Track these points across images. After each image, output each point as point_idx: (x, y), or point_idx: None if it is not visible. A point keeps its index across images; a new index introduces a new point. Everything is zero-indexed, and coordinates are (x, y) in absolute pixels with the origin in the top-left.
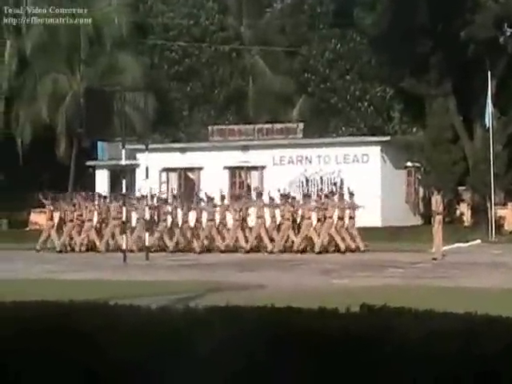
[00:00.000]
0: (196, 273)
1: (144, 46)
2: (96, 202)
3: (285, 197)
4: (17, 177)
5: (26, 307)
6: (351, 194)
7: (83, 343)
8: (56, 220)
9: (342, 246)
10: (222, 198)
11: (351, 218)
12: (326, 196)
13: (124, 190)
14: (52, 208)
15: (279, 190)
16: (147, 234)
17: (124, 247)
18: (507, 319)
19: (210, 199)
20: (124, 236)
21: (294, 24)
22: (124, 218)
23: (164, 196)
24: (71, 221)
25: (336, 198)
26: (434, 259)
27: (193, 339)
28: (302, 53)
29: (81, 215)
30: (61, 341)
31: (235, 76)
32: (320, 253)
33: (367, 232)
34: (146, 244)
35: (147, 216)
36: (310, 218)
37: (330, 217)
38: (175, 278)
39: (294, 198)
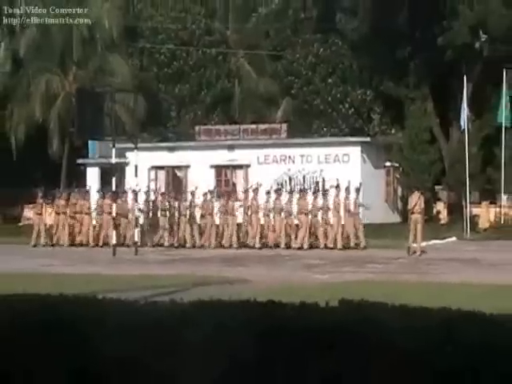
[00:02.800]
0: (184, 267)
1: (134, 49)
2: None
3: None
4: (10, 174)
5: (15, 300)
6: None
7: (71, 335)
8: (53, 216)
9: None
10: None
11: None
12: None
13: (114, 187)
14: (45, 204)
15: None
16: (136, 230)
17: (114, 242)
18: (480, 313)
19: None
20: (115, 231)
21: (279, 29)
22: (114, 214)
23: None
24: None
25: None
26: (419, 255)
27: (177, 332)
28: (285, 56)
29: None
30: (50, 333)
31: (222, 78)
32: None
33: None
34: (135, 239)
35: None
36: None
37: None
38: (163, 272)
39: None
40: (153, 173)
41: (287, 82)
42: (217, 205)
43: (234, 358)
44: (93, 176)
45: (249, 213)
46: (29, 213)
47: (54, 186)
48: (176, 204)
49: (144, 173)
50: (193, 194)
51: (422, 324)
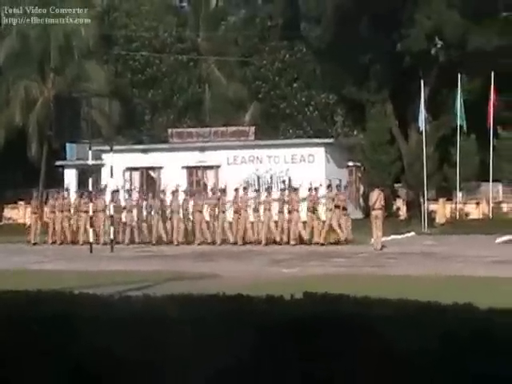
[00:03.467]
0: (157, 263)
1: (109, 56)
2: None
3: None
4: None
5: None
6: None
7: (47, 329)
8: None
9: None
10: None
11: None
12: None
13: (90, 188)
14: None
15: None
16: (112, 228)
17: (91, 240)
18: (436, 304)
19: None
20: (91, 229)
21: (247, 36)
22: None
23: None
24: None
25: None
26: (380, 249)
27: (149, 325)
28: (253, 62)
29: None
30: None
31: (193, 83)
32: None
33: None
34: (111, 237)
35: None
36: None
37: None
38: (138, 268)
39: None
40: (128, 174)
41: (255, 86)
42: (190, 203)
43: (202, 349)
44: (70, 177)
45: (216, 211)
46: (9, 213)
47: (32, 187)
48: (150, 203)
49: (119, 174)
50: (164, 193)
51: (381, 314)
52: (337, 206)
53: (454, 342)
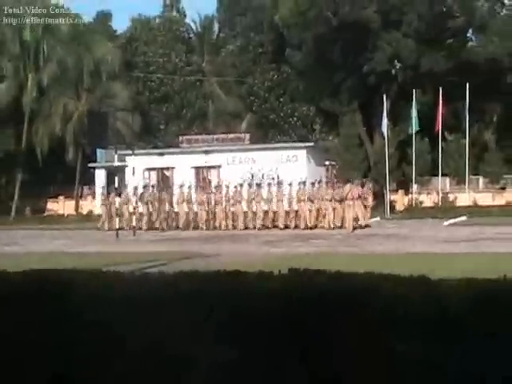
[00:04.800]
0: (170, 245)
1: (131, 78)
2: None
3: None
4: (37, 176)
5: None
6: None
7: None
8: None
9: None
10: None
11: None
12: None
13: (116, 184)
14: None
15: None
16: (134, 217)
17: (117, 226)
18: (397, 276)
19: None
20: (117, 218)
21: (242, 60)
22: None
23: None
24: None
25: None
26: (351, 232)
27: (160, 299)
28: (248, 82)
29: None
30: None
31: (199, 99)
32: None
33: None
34: (133, 224)
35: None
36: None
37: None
38: (155, 250)
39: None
40: (146, 173)
41: (249, 101)
42: (195, 196)
43: (202, 319)
44: (100, 176)
45: (222, 203)
46: (51, 205)
47: (71, 185)
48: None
49: (139, 173)
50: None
51: (350, 285)
52: (357, 199)
53: (408, 305)
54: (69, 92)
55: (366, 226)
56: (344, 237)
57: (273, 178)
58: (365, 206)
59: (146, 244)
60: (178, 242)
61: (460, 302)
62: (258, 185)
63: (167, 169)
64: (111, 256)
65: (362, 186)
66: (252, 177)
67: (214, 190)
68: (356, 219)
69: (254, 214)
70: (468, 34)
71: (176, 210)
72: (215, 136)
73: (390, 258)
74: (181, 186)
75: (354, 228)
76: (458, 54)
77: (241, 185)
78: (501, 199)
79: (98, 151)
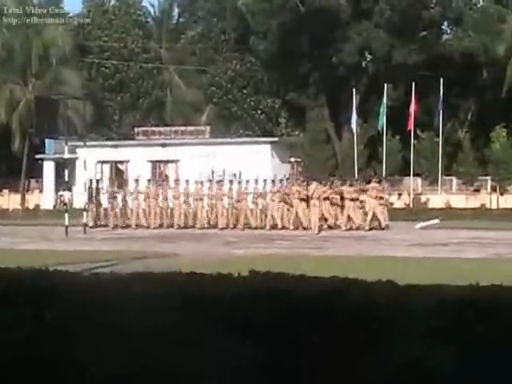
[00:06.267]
0: (124, 244)
1: (83, 63)
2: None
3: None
4: None
5: None
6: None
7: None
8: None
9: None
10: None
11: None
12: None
13: (66, 179)
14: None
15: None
16: (85, 213)
17: (67, 223)
18: (362, 281)
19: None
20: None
21: (203, 48)
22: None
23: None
24: None
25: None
26: (317, 233)
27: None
28: (209, 71)
29: None
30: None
31: (156, 88)
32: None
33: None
34: (84, 221)
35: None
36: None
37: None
38: (106, 249)
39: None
40: (99, 166)
41: (210, 92)
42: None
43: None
44: (49, 169)
45: (180, 199)
46: None
47: (16, 177)
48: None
49: (92, 166)
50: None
51: (316, 289)
52: (375, 197)
53: (377, 306)
54: (15, 77)
55: (386, 226)
56: (309, 238)
57: (234, 175)
58: (381, 205)
59: (99, 243)
60: (136, 240)
61: (427, 308)
62: (219, 181)
63: (121, 162)
64: (57, 254)
65: (379, 183)
66: (212, 173)
67: (171, 185)
68: (322, 219)
69: (211, 211)
70: (443, 27)
71: (131, 206)
72: (173, 128)
73: (353, 261)
74: (136, 181)
75: (371, 228)
76: (432, 47)
77: (201, 182)
78: (475, 202)
79: (47, 142)
